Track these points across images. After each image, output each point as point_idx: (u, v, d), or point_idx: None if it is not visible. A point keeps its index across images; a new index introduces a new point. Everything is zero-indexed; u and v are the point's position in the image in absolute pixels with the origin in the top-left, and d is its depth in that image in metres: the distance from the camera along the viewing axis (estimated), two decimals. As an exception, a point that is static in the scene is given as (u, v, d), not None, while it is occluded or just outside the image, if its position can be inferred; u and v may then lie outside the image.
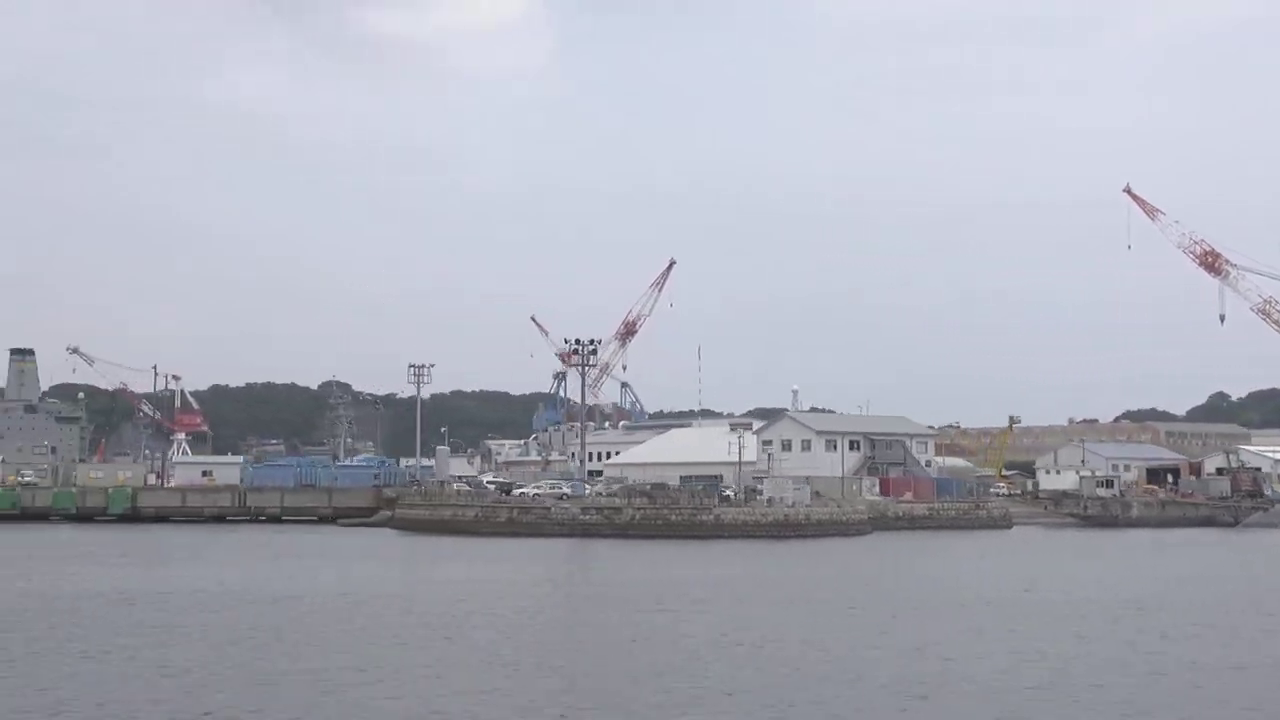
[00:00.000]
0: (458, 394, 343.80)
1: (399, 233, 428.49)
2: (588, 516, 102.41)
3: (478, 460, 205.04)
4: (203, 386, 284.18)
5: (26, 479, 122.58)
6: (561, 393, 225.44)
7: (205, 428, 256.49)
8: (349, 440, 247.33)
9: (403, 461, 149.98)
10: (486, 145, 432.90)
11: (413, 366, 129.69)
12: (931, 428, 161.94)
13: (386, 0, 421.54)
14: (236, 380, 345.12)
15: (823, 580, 64.91)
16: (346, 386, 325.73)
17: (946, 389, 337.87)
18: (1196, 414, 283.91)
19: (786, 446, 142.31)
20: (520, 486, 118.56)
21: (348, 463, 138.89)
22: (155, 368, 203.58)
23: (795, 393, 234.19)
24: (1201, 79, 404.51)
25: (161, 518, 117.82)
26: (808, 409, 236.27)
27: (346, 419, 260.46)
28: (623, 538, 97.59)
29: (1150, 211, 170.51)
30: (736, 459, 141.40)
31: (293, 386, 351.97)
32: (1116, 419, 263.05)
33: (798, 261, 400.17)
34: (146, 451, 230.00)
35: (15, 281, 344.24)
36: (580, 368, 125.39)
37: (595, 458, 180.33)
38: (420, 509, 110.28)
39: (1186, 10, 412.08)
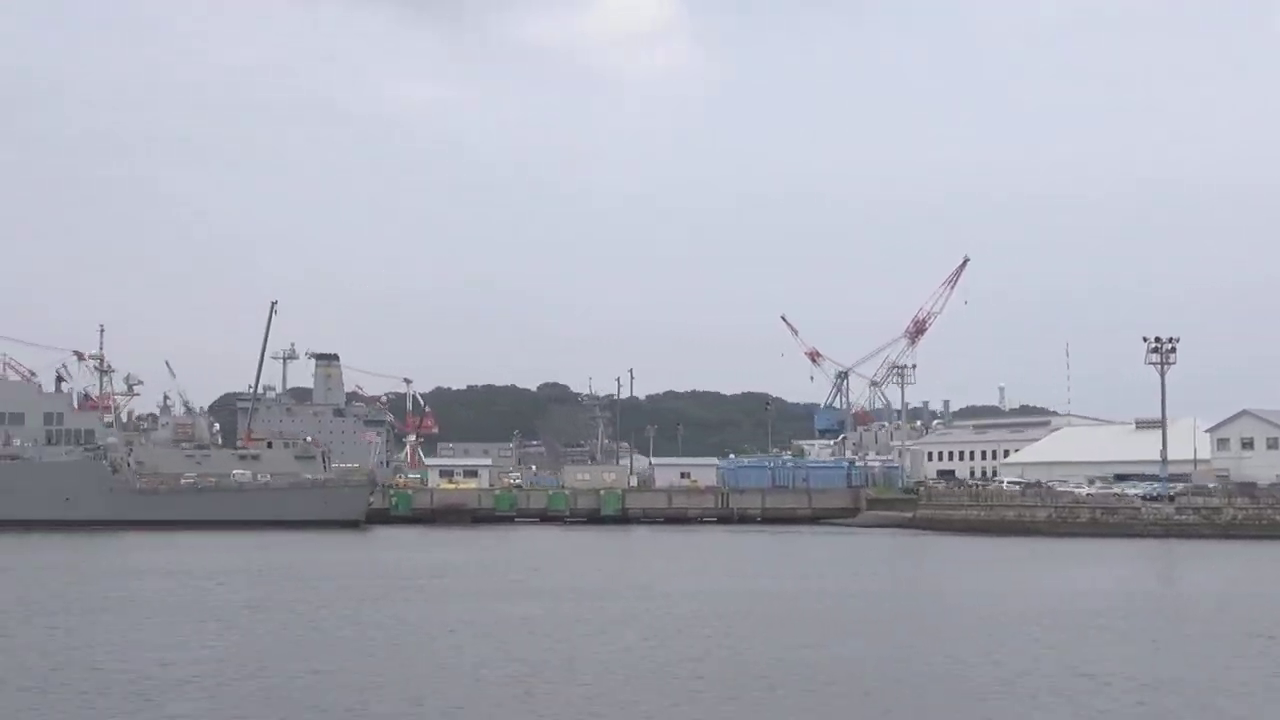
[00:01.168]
0: (670, 394, 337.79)
1: (546, 238, 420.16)
2: (1184, 517, 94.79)
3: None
4: (426, 389, 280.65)
5: (516, 481, 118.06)
6: (840, 397, 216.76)
7: (435, 430, 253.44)
8: (606, 441, 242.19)
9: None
10: (632, 147, 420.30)
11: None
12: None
13: (533, 6, 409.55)
14: (458, 383, 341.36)
15: None
16: (565, 388, 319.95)
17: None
18: None
19: (1248, 445, 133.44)
20: (1061, 485, 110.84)
21: (817, 463, 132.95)
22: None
23: (1002, 390, 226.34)
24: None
25: (648, 519, 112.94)
26: (1016, 405, 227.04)
27: (603, 420, 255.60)
28: (1224, 538, 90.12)
29: None
30: (1151, 458, 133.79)
31: (513, 388, 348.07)
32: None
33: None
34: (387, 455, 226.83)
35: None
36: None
37: (939, 457, 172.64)
38: (971, 509, 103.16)
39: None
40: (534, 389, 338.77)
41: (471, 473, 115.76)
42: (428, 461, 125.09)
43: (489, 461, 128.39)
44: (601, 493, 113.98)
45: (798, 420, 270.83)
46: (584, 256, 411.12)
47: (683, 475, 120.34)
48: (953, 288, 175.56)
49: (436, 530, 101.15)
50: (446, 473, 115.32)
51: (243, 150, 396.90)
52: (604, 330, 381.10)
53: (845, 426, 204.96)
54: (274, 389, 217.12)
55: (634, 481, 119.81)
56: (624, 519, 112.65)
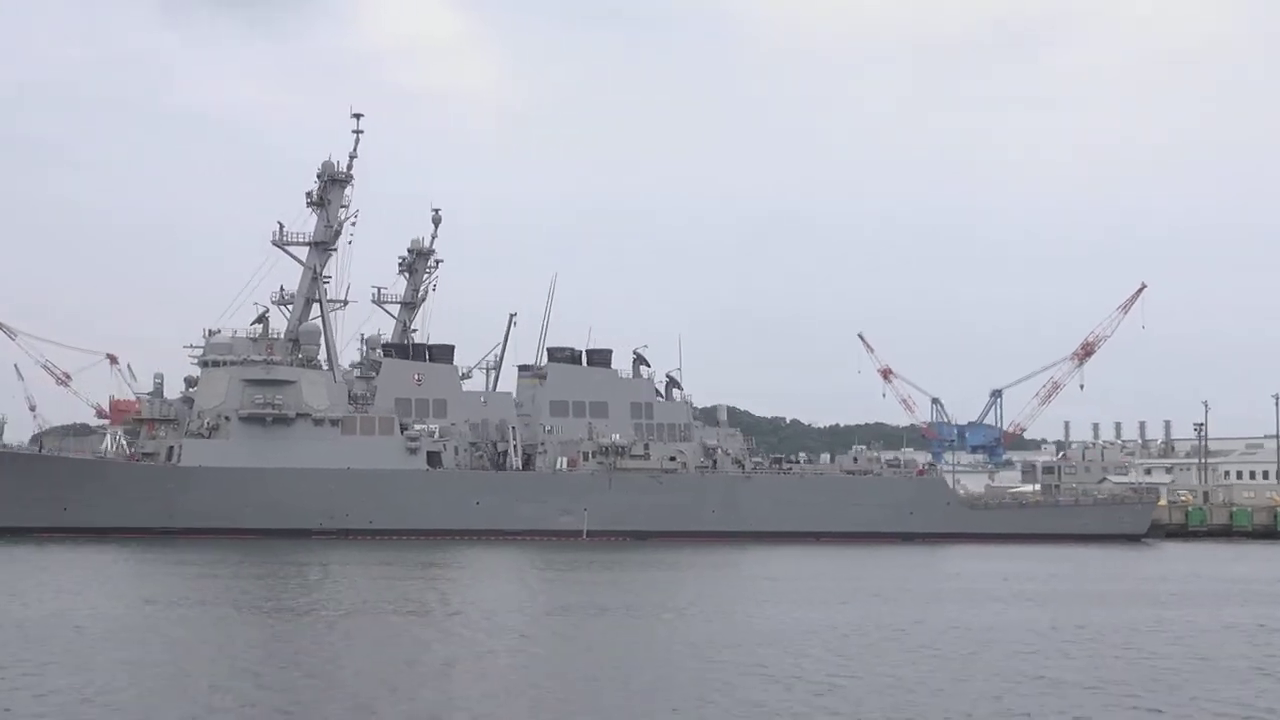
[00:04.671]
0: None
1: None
2: None
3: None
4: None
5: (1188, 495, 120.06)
6: (996, 413, 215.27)
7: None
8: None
9: None
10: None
11: None
12: None
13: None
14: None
15: None
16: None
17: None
18: None
19: None
20: None
21: None
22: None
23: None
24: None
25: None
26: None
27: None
28: None
29: None
30: None
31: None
32: None
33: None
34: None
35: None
36: None
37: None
38: None
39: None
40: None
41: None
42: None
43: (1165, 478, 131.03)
44: (1278, 511, 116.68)
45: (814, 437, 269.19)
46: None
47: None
48: (1126, 312, 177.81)
49: (1200, 545, 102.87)
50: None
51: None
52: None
53: (1000, 444, 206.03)
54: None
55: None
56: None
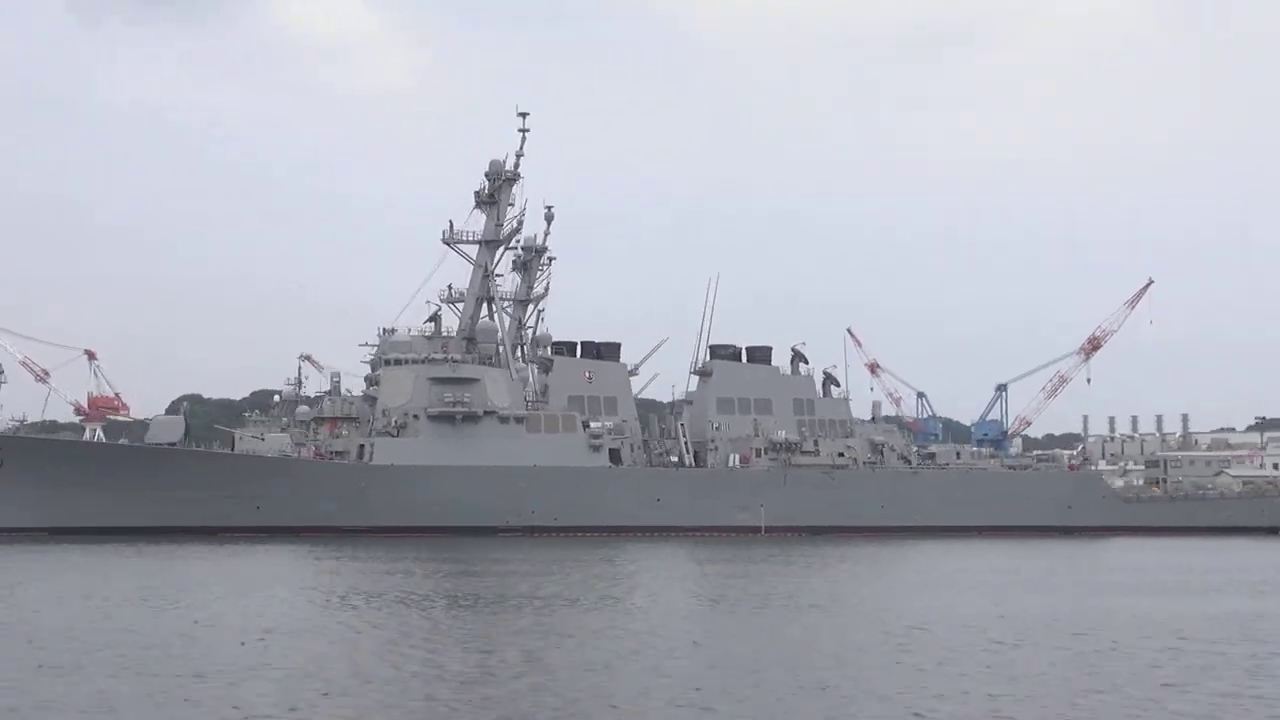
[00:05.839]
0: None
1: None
2: None
3: None
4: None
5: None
6: (1001, 408, 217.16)
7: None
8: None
9: None
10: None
11: None
12: None
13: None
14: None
15: None
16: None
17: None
18: None
19: None
20: None
21: None
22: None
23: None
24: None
25: None
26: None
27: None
28: None
29: None
30: None
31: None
32: None
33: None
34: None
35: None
36: None
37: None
38: None
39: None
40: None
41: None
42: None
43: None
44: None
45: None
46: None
47: None
48: (1133, 308, 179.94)
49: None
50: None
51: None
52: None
53: (1005, 438, 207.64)
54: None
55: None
56: None
